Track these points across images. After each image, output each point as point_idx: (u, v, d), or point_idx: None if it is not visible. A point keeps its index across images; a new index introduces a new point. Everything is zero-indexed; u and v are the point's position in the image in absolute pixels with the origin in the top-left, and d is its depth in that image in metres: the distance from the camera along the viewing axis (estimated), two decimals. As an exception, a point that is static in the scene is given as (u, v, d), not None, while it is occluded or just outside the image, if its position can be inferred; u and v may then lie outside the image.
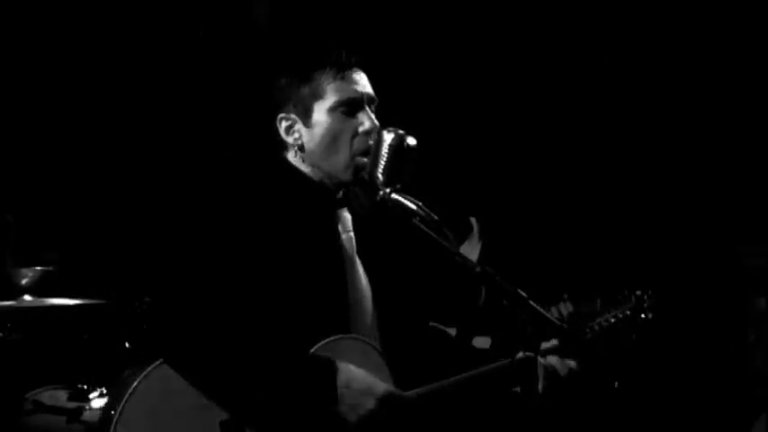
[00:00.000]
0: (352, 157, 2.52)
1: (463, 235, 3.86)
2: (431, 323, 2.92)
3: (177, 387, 2.31)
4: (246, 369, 2.30)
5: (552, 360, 2.54)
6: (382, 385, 2.39)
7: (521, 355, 2.44)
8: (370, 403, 2.34)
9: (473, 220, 3.88)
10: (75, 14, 4.44)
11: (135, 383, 2.29)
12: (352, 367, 2.37)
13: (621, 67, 4.60)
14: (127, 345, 3.47)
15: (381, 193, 2.47)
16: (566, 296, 2.56)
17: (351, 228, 2.60)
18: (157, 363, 2.32)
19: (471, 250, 3.82)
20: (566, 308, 2.70)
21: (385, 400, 2.36)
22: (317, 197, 2.56)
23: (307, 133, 2.55)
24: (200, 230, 2.42)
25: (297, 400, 2.32)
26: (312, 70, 2.56)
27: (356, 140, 2.53)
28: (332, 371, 2.33)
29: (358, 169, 2.53)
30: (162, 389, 2.31)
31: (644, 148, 4.62)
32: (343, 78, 2.54)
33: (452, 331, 3.20)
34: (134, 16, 4.46)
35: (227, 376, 2.31)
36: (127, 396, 2.28)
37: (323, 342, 2.42)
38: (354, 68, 2.57)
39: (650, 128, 4.63)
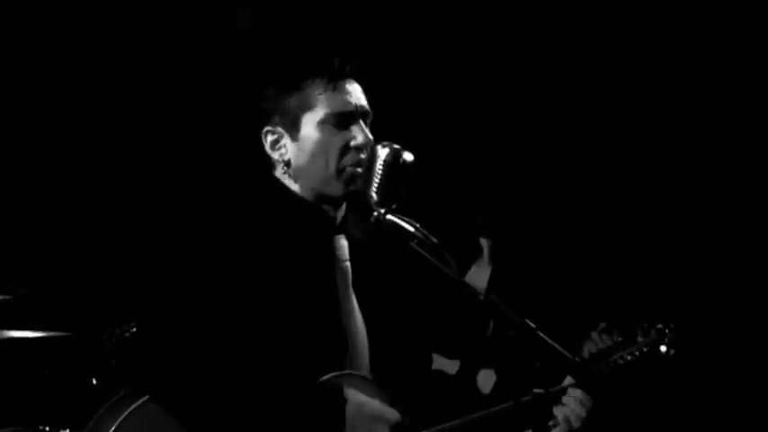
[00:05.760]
0: (342, 169, 2.36)
1: (472, 257, 3.66)
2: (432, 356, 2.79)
3: (163, 427, 2.19)
4: (251, 401, 2.19)
5: (576, 394, 2.41)
6: (395, 413, 2.31)
7: (535, 392, 2.32)
8: (383, 430, 2.26)
9: (484, 241, 3.70)
10: (46, 24, 4.25)
11: (114, 427, 2.17)
12: (361, 395, 2.28)
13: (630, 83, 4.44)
14: (94, 381, 3.35)
15: (375, 213, 2.31)
16: (603, 325, 2.40)
17: (347, 257, 2.45)
18: (139, 402, 2.19)
19: (480, 274, 3.64)
20: (599, 339, 2.54)
21: (398, 428, 2.29)
22: (314, 222, 2.41)
23: (294, 148, 2.40)
24: (192, 259, 2.29)
25: (306, 430, 2.22)
26: (301, 79, 2.40)
27: (347, 156, 2.37)
28: (341, 398, 2.25)
29: (349, 181, 2.37)
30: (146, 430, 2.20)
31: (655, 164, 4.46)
32: (335, 89, 2.39)
33: (455, 364, 3.07)
34: (112, 23, 4.28)
35: (230, 410, 2.19)
36: None
37: (324, 378, 2.31)
38: (348, 78, 2.42)
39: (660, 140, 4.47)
